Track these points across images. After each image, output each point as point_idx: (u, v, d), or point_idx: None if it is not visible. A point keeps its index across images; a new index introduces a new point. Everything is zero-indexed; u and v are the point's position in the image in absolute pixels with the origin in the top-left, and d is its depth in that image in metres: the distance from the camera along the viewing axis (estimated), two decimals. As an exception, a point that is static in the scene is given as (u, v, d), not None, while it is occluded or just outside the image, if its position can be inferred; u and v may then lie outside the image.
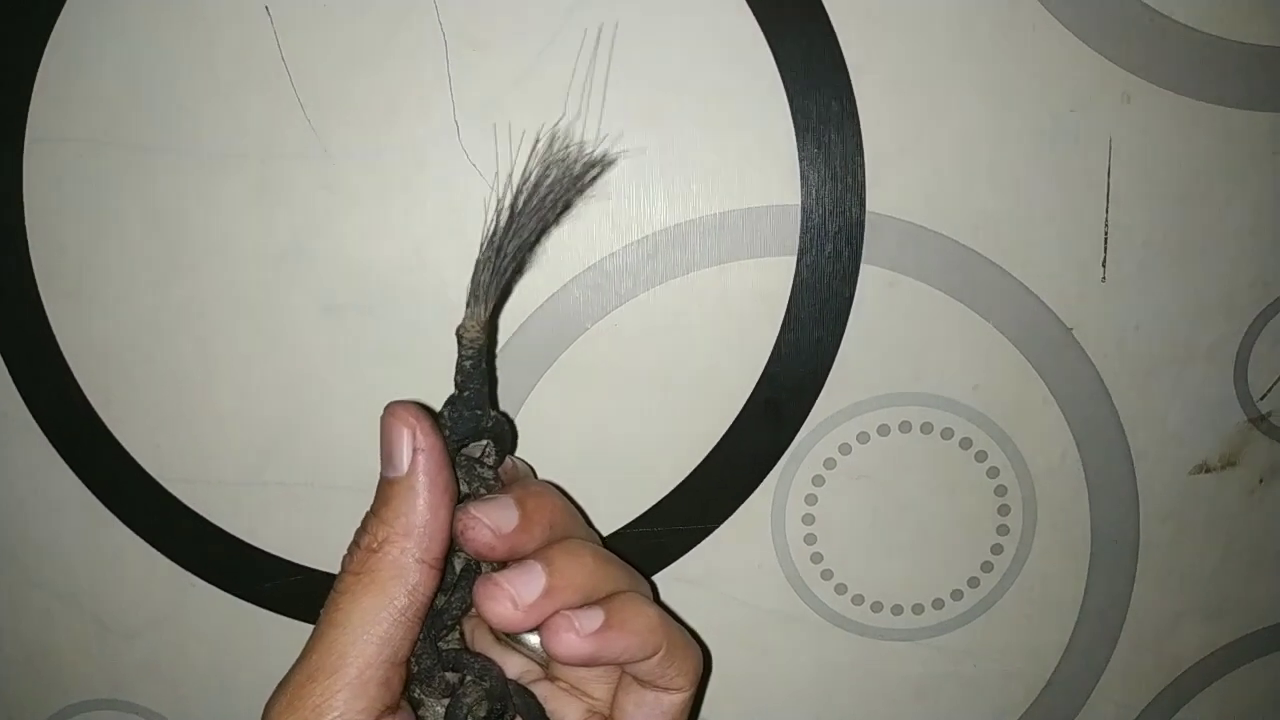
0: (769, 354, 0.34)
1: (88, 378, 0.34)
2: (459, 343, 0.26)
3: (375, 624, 0.23)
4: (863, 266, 0.33)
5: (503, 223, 0.25)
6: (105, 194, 0.33)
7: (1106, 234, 0.33)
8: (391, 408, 0.25)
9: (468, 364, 0.26)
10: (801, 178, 0.32)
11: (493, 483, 0.27)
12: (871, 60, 0.32)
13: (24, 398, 0.34)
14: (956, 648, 0.37)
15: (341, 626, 0.23)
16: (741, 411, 0.34)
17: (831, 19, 0.32)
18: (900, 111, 0.32)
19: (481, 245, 0.25)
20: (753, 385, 0.34)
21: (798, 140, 0.32)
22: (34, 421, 0.35)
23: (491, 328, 0.26)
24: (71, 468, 0.35)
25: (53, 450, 0.35)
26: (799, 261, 0.33)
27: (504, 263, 0.25)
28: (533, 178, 0.25)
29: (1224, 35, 0.32)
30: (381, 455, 0.25)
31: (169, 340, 0.34)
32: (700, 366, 0.34)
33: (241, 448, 0.34)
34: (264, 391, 0.34)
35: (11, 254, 0.33)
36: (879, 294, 0.33)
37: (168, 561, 0.36)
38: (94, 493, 0.35)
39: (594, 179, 0.27)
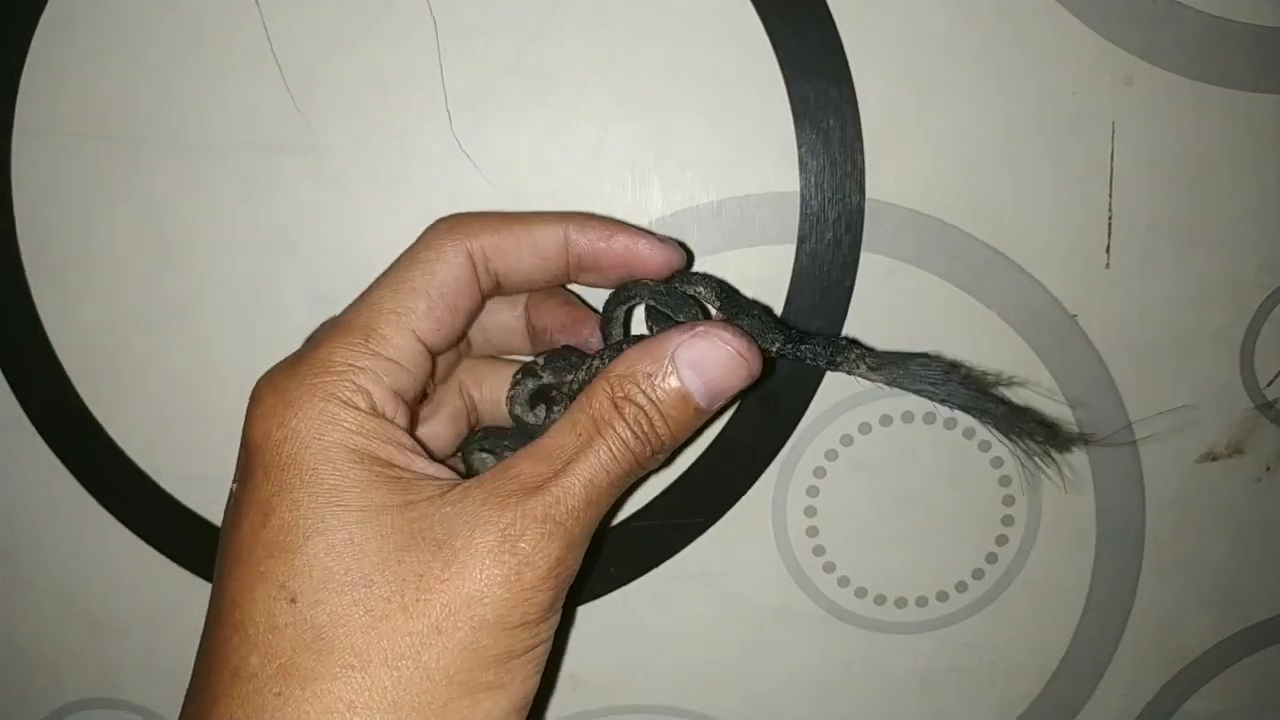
0: (768, 343, 0.33)
1: (79, 372, 0.34)
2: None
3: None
4: (863, 254, 0.33)
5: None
6: (94, 187, 0.32)
7: (1110, 219, 0.33)
8: None
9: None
10: (800, 164, 0.32)
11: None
12: (870, 44, 0.32)
13: (15, 394, 0.34)
14: (961, 640, 0.36)
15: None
16: (741, 403, 0.34)
17: (829, 2, 0.31)
18: (899, 96, 0.32)
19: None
20: (752, 375, 0.34)
21: (796, 126, 0.32)
22: (25, 418, 0.34)
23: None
24: (64, 464, 0.35)
25: (45, 446, 0.35)
26: (798, 249, 0.33)
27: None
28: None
29: (1227, 16, 0.32)
30: None
31: (160, 333, 0.33)
32: (699, 357, 0.33)
33: (234, 443, 0.34)
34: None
35: (1, 248, 0.33)
36: (879, 281, 0.33)
37: (162, 558, 0.35)
38: (87, 489, 0.35)
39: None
